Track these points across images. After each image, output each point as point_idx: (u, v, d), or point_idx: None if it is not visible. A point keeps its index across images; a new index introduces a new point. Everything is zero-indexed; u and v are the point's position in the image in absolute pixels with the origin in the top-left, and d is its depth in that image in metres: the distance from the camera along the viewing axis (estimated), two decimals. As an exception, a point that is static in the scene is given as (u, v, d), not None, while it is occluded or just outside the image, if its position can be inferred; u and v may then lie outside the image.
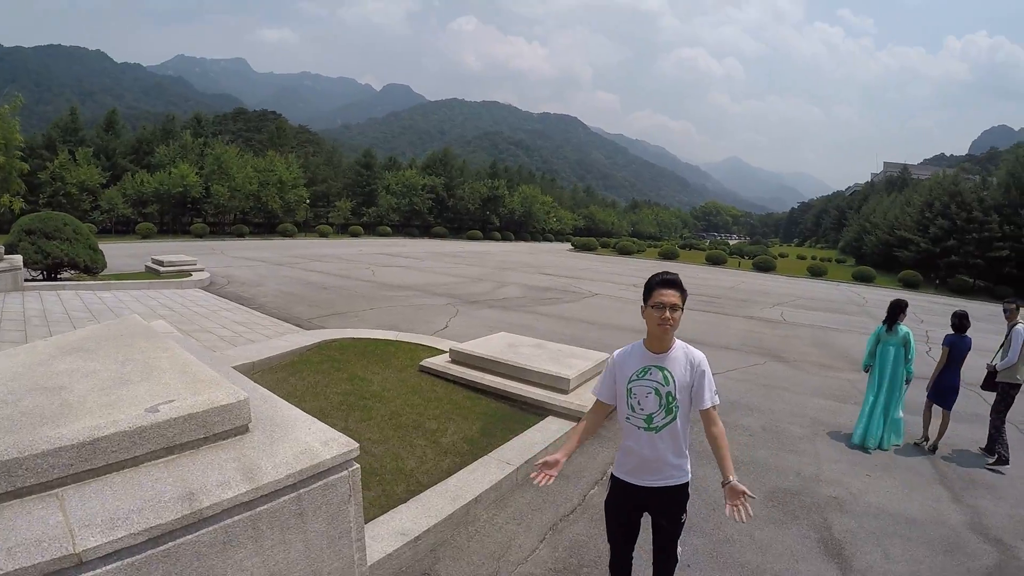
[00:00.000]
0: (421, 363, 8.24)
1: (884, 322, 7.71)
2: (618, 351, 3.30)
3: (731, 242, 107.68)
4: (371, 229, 62.48)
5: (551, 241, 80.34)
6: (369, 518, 4.20)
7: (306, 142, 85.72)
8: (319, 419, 3.49)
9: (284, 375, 7.46)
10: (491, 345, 8.96)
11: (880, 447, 7.61)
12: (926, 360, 12.77)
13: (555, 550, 4.63)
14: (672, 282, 3.10)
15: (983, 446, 7.69)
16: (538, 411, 7.16)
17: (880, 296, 30.31)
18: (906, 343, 7.55)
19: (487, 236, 72.12)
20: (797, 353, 13.59)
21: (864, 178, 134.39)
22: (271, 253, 31.18)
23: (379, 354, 8.70)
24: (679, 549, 3.33)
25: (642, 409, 3.11)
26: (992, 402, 7.71)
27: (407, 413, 6.57)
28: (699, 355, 3.15)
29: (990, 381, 7.88)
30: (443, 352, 9.08)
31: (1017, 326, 7.60)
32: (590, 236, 72.72)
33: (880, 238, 54.98)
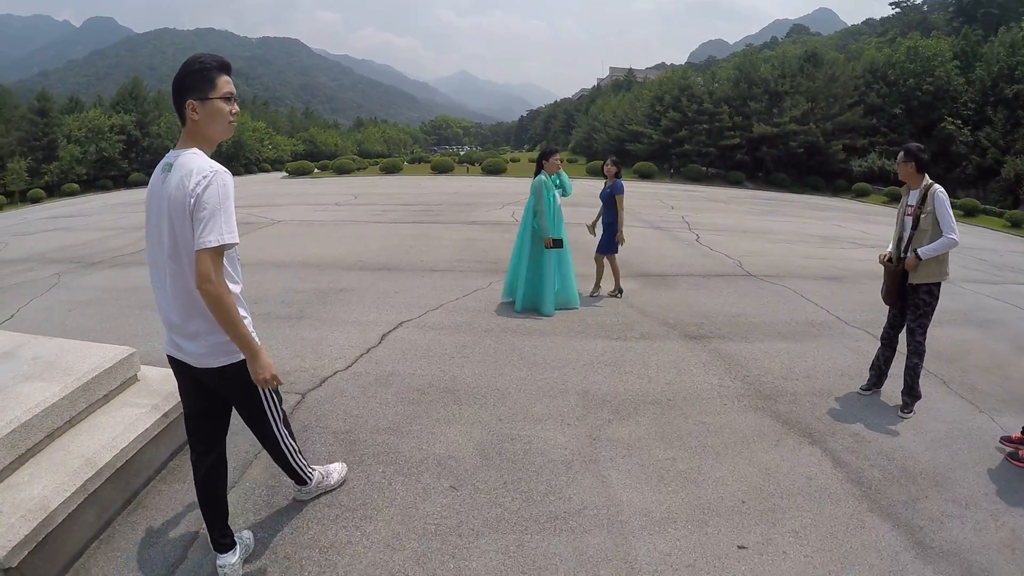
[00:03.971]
0: None
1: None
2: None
3: (461, 152, 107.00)
4: (56, 190, 53.58)
5: (267, 171, 72.50)
6: None
7: (-12, 95, 68.74)
8: None
9: None
10: None
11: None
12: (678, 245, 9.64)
13: None
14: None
15: (863, 387, 5.47)
16: None
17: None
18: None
19: (191, 175, 63.02)
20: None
21: (591, 84, 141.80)
22: None
23: None
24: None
25: None
26: (898, 322, 5.32)
27: None
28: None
29: (898, 286, 5.10)
30: None
31: (933, 187, 4.88)
32: (312, 160, 66.46)
33: (611, 135, 57.63)
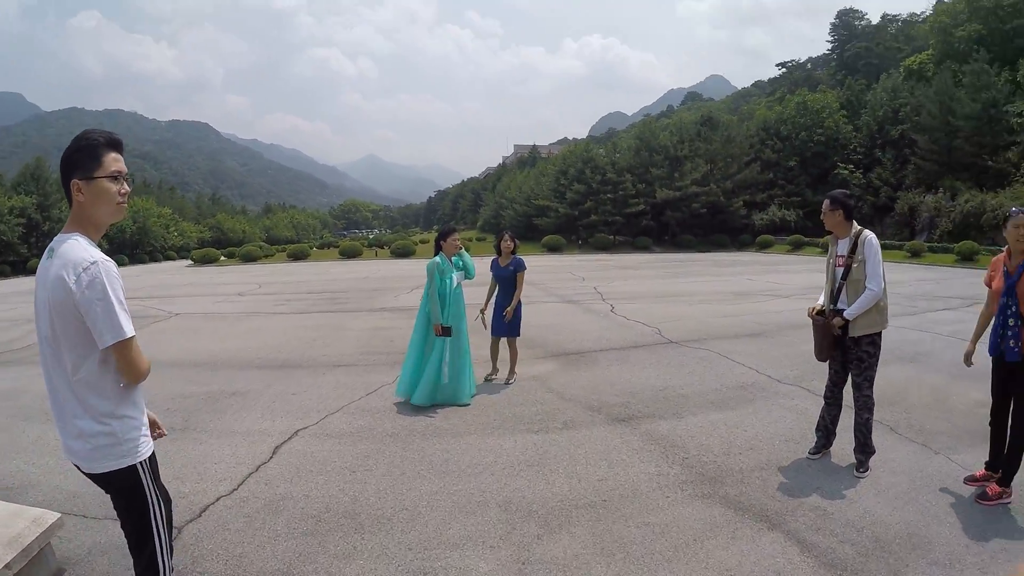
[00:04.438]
0: None
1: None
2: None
3: (370, 236, 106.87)
4: None
5: (173, 259, 70.18)
6: None
7: None
8: None
9: None
10: None
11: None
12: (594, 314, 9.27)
13: None
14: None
15: (812, 450, 5.10)
16: None
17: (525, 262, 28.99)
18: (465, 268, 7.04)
19: (93, 262, 60.11)
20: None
21: (496, 163, 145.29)
22: None
23: None
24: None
25: None
26: (840, 378, 5.03)
27: None
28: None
29: (833, 340, 4.80)
30: None
31: (864, 234, 4.68)
32: (219, 247, 65.28)
33: (518, 211, 58.70)
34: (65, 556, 3.64)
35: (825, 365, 5.06)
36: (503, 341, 7.68)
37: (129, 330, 2.29)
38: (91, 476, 2.47)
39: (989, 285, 4.31)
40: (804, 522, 3.94)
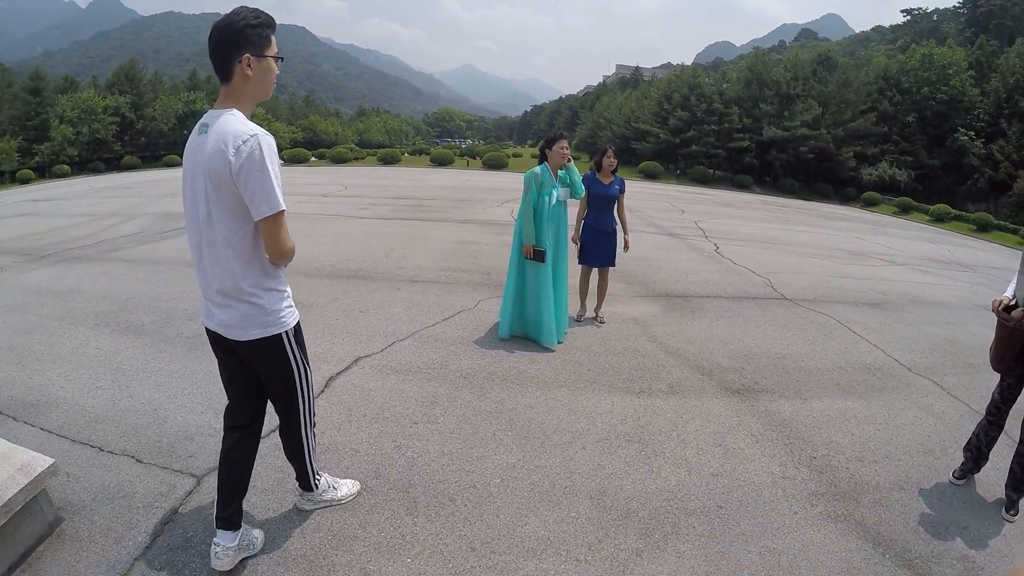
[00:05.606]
0: None
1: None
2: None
3: (463, 145, 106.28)
4: (47, 171, 52.83)
5: (265, 159, 72.39)
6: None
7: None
8: None
9: None
10: None
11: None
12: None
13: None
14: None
15: (957, 474, 4.10)
16: None
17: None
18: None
19: (185, 161, 64.23)
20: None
21: (596, 82, 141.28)
22: None
23: None
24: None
25: None
26: (1011, 394, 3.88)
27: None
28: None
29: (1016, 347, 3.65)
30: None
31: None
32: (310, 149, 66.25)
33: (616, 132, 56.73)
34: (67, 501, 3.04)
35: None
36: (594, 273, 6.72)
37: (283, 203, 2.34)
38: (235, 344, 2.50)
39: None
40: (953, 578, 3.03)
